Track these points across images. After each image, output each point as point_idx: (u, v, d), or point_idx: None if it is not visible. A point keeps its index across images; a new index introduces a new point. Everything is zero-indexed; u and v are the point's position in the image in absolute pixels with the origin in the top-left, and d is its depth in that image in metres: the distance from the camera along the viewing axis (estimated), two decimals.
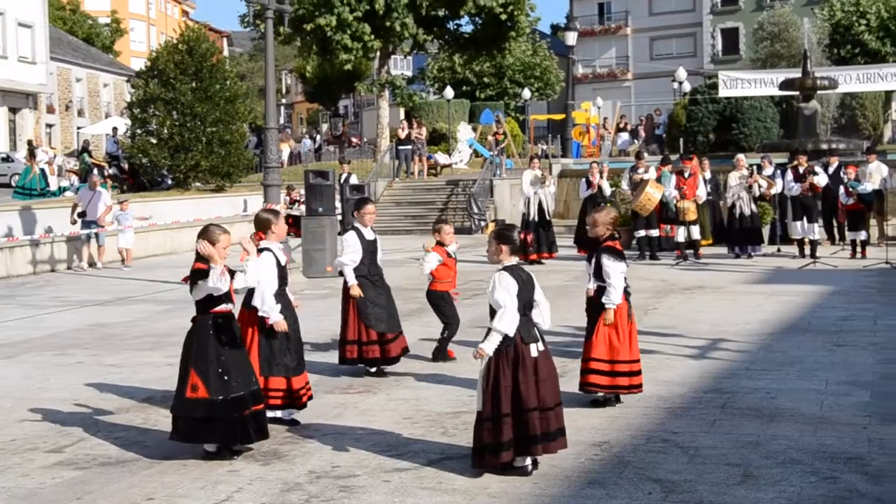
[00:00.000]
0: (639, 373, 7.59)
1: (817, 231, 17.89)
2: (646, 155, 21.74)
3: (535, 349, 5.93)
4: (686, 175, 18.15)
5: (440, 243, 9.49)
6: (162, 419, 7.30)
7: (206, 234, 6.38)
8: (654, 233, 18.48)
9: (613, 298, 7.39)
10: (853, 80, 27.35)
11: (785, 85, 24.64)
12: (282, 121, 76.15)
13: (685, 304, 12.86)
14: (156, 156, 28.88)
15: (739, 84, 27.95)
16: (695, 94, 35.71)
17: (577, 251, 19.00)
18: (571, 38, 32.96)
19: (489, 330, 5.88)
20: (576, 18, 44.67)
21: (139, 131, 29.65)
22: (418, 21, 34.91)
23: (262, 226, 7.25)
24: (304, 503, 5.63)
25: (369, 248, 8.93)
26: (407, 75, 54.02)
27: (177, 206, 25.36)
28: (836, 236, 19.71)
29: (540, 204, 18.23)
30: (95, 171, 27.12)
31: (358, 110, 75.55)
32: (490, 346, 5.84)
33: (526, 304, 5.96)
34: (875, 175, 18.46)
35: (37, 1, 47.33)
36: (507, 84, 54.71)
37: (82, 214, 19.79)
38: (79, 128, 53.24)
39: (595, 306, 7.54)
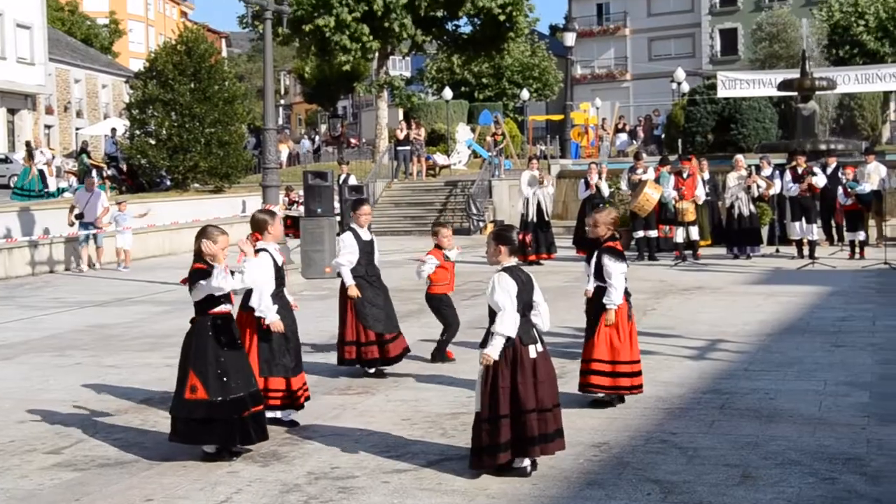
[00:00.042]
0: (639, 373, 7.60)
1: (816, 232, 17.89)
2: (644, 155, 21.73)
3: (533, 350, 5.93)
4: (685, 176, 18.17)
5: (438, 246, 9.49)
6: (161, 420, 7.30)
7: (204, 235, 6.38)
8: (653, 233, 18.50)
9: (614, 299, 7.39)
10: (852, 81, 27.32)
11: (783, 85, 24.64)
12: (280, 122, 76.10)
13: (684, 305, 12.87)
14: (154, 157, 28.89)
15: (738, 85, 27.92)
16: (693, 94, 35.67)
17: (576, 252, 19.01)
18: (570, 38, 32.98)
19: (490, 333, 5.87)
20: (574, 19, 44.49)
21: (138, 132, 29.66)
22: (417, 22, 34.89)
23: (258, 226, 7.27)
24: None
25: (366, 249, 8.94)
26: (406, 76, 53.98)
27: (175, 207, 25.33)
28: (835, 237, 19.71)
29: (538, 205, 18.26)
30: (94, 172, 27.11)
31: (357, 111, 75.43)
32: (495, 351, 5.83)
33: (525, 305, 5.96)
34: (873, 175, 18.46)
35: (35, 2, 47.35)
36: (505, 85, 54.68)
37: (80, 216, 19.75)
38: (77, 129, 53.19)
39: (595, 307, 7.54)
